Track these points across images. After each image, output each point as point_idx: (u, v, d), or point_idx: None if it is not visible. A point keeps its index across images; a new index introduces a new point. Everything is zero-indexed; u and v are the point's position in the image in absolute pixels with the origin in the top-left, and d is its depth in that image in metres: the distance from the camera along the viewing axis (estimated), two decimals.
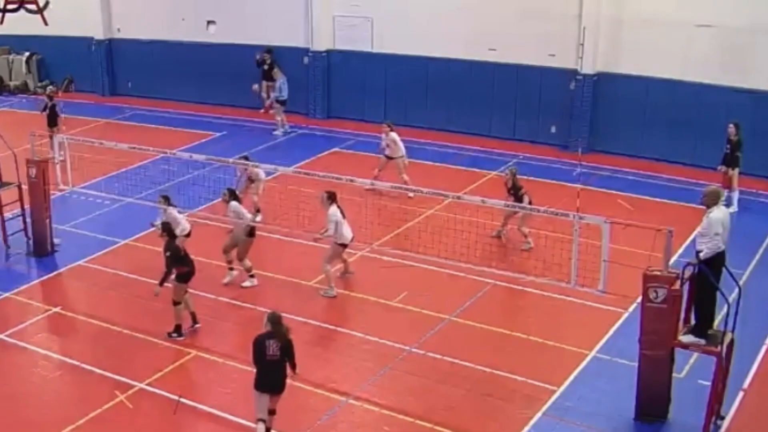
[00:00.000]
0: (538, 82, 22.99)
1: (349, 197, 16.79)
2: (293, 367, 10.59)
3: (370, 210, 16.12)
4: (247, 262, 15.19)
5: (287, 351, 10.47)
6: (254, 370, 10.66)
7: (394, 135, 19.49)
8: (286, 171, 16.54)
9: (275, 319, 10.52)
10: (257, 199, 17.77)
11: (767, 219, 18.27)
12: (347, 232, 14.81)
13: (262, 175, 17.80)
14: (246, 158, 17.20)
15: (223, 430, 11.53)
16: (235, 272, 15.32)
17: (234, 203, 15.12)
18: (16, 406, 11.97)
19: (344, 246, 14.88)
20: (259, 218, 17.23)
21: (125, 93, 29.10)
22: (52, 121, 21.48)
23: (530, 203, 15.85)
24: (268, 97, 25.86)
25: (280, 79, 24.46)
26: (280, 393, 10.65)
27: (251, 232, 15.08)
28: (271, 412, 10.73)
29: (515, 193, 16.42)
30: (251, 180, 17.81)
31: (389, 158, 19.51)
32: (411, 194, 17.76)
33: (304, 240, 16.03)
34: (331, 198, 14.68)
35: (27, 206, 16.68)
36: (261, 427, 10.57)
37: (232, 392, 12.19)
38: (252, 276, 15.25)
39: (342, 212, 14.73)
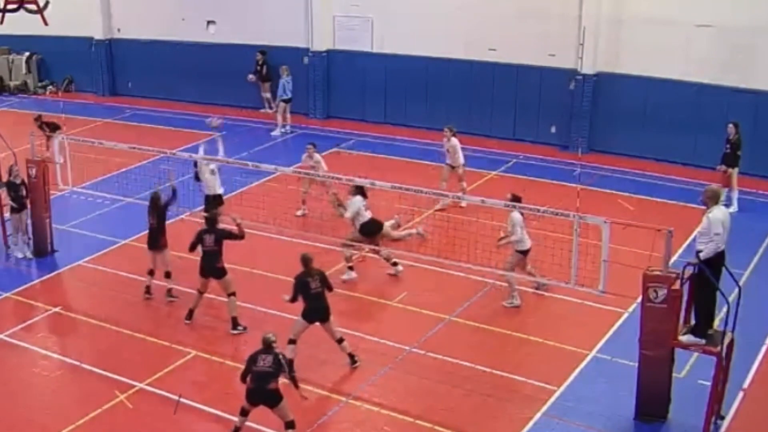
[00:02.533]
0: (538, 82, 22.98)
1: (348, 197, 16.79)
2: (330, 289, 12.60)
3: (371, 210, 16.09)
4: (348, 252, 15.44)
5: (325, 282, 12.50)
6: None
7: (455, 141, 18.67)
8: (286, 171, 16.53)
9: (307, 260, 12.53)
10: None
11: (767, 219, 18.28)
12: (527, 239, 14.33)
13: (323, 165, 17.83)
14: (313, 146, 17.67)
15: (223, 430, 11.52)
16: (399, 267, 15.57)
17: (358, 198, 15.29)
18: (16, 406, 11.98)
19: (525, 253, 14.39)
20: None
21: (125, 93, 29.10)
22: (53, 130, 21.49)
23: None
24: (272, 97, 25.92)
25: (284, 78, 24.45)
26: (328, 320, 12.48)
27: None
28: (339, 341, 12.61)
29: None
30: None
31: (452, 167, 18.74)
32: (463, 203, 17.66)
33: (305, 240, 16.03)
34: (516, 200, 13.99)
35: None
36: (291, 347, 12.30)
37: (232, 392, 12.17)
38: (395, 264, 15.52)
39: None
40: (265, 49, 25.89)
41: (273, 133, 24.55)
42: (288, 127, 24.72)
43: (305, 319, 12.47)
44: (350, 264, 15.39)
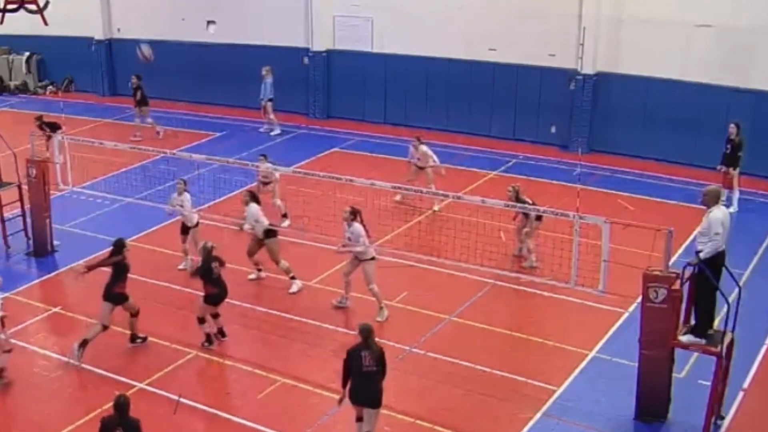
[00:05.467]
0: (538, 82, 22.99)
1: (349, 197, 16.80)
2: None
3: (370, 210, 16.10)
4: (284, 263, 14.98)
5: (382, 362, 10.21)
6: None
7: (424, 148, 18.54)
8: (286, 171, 16.55)
9: (367, 332, 10.20)
10: (280, 203, 17.68)
11: (767, 219, 18.28)
12: (371, 250, 14.09)
13: (277, 174, 17.45)
14: (264, 157, 17.10)
15: (222, 430, 11.52)
16: (262, 273, 15.42)
17: (253, 205, 14.92)
18: (16, 406, 11.98)
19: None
20: (286, 224, 17.16)
21: (125, 93, 28.98)
22: (54, 130, 21.48)
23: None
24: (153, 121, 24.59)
25: (267, 79, 24.35)
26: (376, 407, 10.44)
27: (268, 233, 14.91)
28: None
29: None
30: (265, 183, 17.70)
31: (420, 168, 18.60)
32: (436, 207, 18.19)
33: (305, 240, 16.03)
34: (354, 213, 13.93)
35: (27, 206, 16.73)
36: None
37: (232, 392, 12.19)
38: (293, 278, 15.01)
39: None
40: (141, 74, 24.61)
41: (273, 133, 24.54)
42: (277, 126, 24.61)
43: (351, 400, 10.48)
44: (292, 274, 15.01)
